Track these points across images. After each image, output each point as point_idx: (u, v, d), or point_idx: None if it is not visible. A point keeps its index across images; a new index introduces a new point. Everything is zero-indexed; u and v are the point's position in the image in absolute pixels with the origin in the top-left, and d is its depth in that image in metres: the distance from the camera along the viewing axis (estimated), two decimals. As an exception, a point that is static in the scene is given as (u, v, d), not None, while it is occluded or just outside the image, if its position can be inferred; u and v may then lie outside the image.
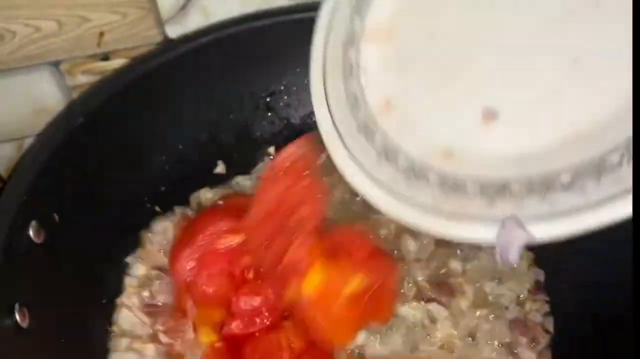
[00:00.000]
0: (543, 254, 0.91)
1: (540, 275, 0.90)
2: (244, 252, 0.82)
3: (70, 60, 1.03)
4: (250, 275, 0.84)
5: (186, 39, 0.96)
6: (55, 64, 1.03)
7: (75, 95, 1.06)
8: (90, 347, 0.82)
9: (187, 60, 0.95)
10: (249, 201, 0.82)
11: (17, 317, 0.70)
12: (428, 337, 0.84)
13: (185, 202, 0.98)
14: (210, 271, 0.82)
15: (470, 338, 0.84)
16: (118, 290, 0.90)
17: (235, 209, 0.85)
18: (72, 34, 0.99)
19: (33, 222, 0.77)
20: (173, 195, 0.99)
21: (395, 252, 0.88)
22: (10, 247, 0.72)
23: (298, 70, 1.04)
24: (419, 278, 0.87)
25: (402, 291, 0.86)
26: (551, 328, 0.86)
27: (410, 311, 0.85)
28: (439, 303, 0.85)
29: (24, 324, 0.70)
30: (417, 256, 0.88)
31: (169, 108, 0.96)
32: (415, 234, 0.89)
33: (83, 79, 1.05)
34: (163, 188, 0.98)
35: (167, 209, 0.98)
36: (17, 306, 0.70)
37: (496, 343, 0.83)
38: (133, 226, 0.95)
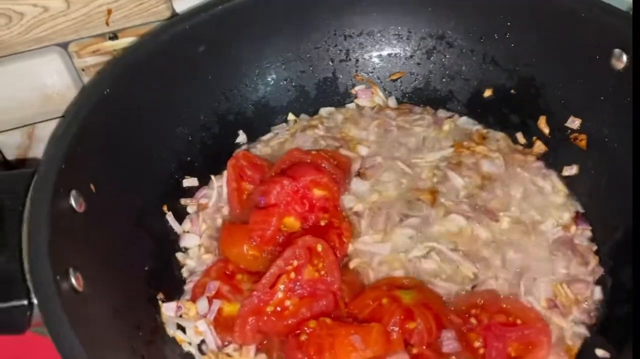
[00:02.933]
0: (579, 190, 0.93)
1: (579, 207, 0.92)
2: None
3: (78, 41, 1.01)
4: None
5: (199, 9, 0.96)
6: (64, 46, 1.02)
7: (85, 77, 1.05)
8: (139, 308, 0.82)
9: (201, 31, 0.95)
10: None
11: (73, 281, 0.68)
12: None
13: (214, 171, 0.99)
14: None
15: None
16: (160, 259, 0.90)
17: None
18: (80, 12, 0.97)
19: (73, 192, 0.75)
20: (200, 165, 0.99)
21: (443, 190, 0.93)
22: (56, 217, 0.70)
23: (311, 36, 1.06)
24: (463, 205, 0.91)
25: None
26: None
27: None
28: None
29: (80, 288, 0.69)
30: (465, 191, 0.93)
31: (189, 79, 0.97)
32: (461, 171, 0.93)
33: (91, 61, 1.04)
34: (189, 158, 0.98)
35: (200, 178, 0.99)
36: (71, 270, 0.69)
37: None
38: (165, 195, 0.94)
